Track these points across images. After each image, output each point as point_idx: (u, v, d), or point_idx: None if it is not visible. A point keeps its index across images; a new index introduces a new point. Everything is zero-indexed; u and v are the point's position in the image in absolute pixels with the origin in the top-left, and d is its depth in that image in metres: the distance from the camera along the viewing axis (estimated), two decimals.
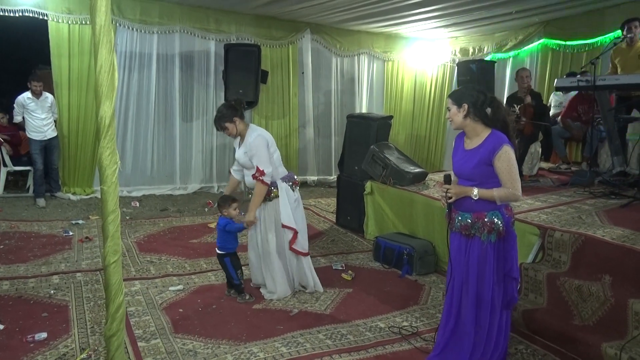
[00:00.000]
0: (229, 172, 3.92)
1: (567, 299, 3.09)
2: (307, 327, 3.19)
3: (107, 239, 2.04)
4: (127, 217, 5.88)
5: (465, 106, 2.53)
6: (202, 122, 7.53)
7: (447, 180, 2.59)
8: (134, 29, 6.82)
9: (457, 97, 2.58)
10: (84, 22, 6.37)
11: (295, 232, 3.61)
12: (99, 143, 1.91)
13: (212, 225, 5.58)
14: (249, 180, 3.64)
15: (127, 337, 2.97)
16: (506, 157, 2.43)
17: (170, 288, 3.77)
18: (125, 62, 6.86)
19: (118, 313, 2.10)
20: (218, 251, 3.64)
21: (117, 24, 6.68)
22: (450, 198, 2.54)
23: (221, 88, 7.09)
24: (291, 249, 3.64)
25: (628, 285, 2.91)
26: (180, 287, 3.80)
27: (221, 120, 3.54)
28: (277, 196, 3.58)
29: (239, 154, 3.63)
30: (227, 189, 3.87)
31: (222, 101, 7.04)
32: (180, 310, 3.41)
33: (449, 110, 2.59)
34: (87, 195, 6.68)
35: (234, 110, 3.55)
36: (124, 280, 3.82)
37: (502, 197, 2.46)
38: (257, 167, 3.46)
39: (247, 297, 3.62)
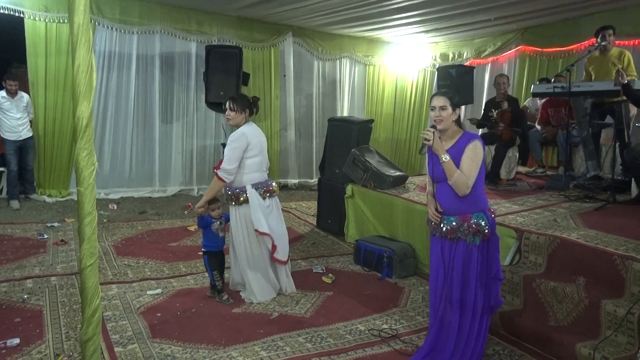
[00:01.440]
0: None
1: (543, 300, 3.15)
2: (287, 330, 3.18)
3: (83, 241, 2.00)
4: (105, 220, 5.78)
5: (458, 111, 2.61)
6: (182, 123, 7.45)
7: (435, 127, 2.58)
8: (114, 29, 6.73)
9: (453, 99, 2.59)
10: (61, 21, 6.26)
11: (272, 239, 3.57)
12: (75, 144, 1.87)
13: (192, 229, 5.53)
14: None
15: (103, 342, 2.92)
16: (474, 149, 2.51)
17: (148, 292, 3.72)
18: (104, 62, 6.76)
19: (94, 317, 2.06)
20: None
21: (96, 23, 6.58)
22: (428, 141, 2.51)
23: (202, 90, 7.03)
24: (273, 259, 3.62)
25: (601, 287, 2.98)
26: (158, 291, 3.75)
27: (237, 101, 3.55)
28: (246, 201, 3.53)
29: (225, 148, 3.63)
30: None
31: (203, 103, 7.01)
32: (159, 314, 3.36)
33: (444, 109, 2.56)
34: (63, 197, 6.55)
35: (249, 104, 3.61)
36: (101, 284, 3.76)
37: (458, 179, 2.47)
38: (220, 160, 3.50)
39: (225, 297, 3.60)
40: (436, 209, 2.64)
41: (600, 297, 2.89)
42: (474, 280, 2.54)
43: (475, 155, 2.50)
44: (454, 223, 2.56)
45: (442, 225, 2.60)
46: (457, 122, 2.62)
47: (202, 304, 3.56)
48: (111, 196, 6.89)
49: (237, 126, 3.61)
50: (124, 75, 6.93)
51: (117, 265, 4.31)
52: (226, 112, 3.61)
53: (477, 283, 2.55)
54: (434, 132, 2.52)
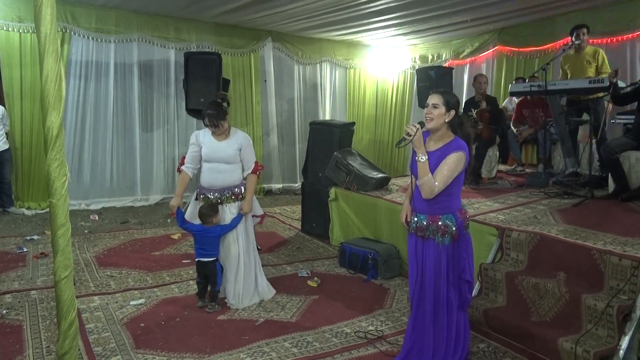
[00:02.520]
0: (178, 170, 3.77)
1: (525, 296, 3.19)
2: (273, 336, 3.17)
3: (57, 253, 1.97)
4: (86, 231, 5.70)
5: (453, 113, 2.54)
6: (163, 131, 7.39)
7: (422, 124, 2.54)
8: (90, 38, 6.66)
9: (448, 101, 2.53)
10: (30, 31, 6.15)
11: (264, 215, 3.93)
12: (46, 155, 1.84)
13: (175, 237, 5.48)
14: (216, 177, 3.59)
15: (86, 354, 2.88)
16: (456, 160, 2.47)
17: (131, 302, 3.67)
18: (81, 71, 6.69)
19: (70, 330, 2.02)
20: (206, 259, 3.57)
21: (72, 33, 6.51)
22: (409, 135, 2.46)
23: (182, 97, 6.98)
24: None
25: (581, 281, 3.03)
26: (141, 301, 3.70)
27: (219, 117, 3.54)
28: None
29: (220, 146, 3.58)
30: (180, 188, 3.71)
31: (183, 110, 6.95)
32: (142, 324, 3.32)
33: (436, 108, 2.51)
34: (42, 209, 6.42)
35: (225, 108, 3.69)
36: (83, 296, 3.74)
37: (425, 183, 2.46)
38: (256, 162, 3.73)
39: (217, 306, 3.59)
40: (408, 217, 2.69)
41: (581, 291, 2.94)
42: (445, 279, 2.56)
43: (454, 165, 2.46)
44: (423, 222, 2.58)
45: (413, 222, 2.63)
46: (452, 125, 2.56)
47: (186, 312, 3.52)
48: (92, 207, 6.79)
49: (226, 132, 3.63)
50: (102, 84, 6.86)
51: (99, 276, 4.25)
52: (213, 130, 3.57)
53: (449, 281, 2.58)
54: (417, 129, 2.47)
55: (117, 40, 6.84)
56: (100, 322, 3.33)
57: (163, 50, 7.22)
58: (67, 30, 6.46)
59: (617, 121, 5.30)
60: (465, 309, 2.70)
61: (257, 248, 4.21)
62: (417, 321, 2.66)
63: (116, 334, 3.17)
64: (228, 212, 3.63)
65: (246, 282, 3.66)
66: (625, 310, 2.68)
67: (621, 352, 2.61)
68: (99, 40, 6.72)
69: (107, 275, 4.28)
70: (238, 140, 3.63)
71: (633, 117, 4.92)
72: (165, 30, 7.15)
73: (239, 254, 3.63)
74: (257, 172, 3.71)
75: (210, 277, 3.62)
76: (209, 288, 3.65)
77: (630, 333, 2.64)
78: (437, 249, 2.56)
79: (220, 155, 3.59)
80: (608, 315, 2.71)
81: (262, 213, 3.91)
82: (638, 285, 2.74)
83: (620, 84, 4.83)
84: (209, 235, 3.56)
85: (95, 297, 3.76)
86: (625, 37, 6.19)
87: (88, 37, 6.65)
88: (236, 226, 3.61)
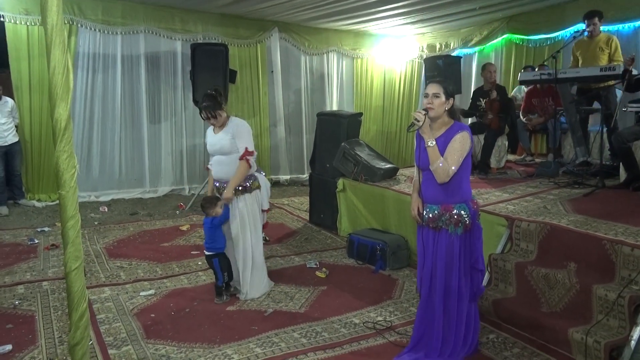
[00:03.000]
0: (207, 168, 3.89)
1: (534, 287, 3.17)
2: (282, 326, 3.18)
3: (67, 245, 1.98)
4: (96, 223, 5.74)
5: (452, 101, 2.60)
6: (170, 123, 7.41)
7: (427, 112, 2.57)
8: (97, 30, 6.65)
9: (447, 89, 2.58)
10: (37, 23, 6.16)
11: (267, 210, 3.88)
12: (55, 147, 1.85)
13: (184, 228, 5.51)
14: (220, 169, 3.60)
15: (97, 345, 2.91)
16: (461, 139, 2.51)
17: (141, 293, 3.70)
18: (88, 63, 6.70)
19: (82, 321, 2.04)
20: (206, 252, 3.62)
21: (79, 25, 6.51)
22: (418, 121, 2.51)
23: (189, 89, 6.98)
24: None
25: (592, 272, 3.00)
26: (151, 291, 3.73)
27: (215, 108, 3.53)
28: (257, 187, 3.67)
29: (217, 138, 3.59)
30: (210, 185, 3.81)
31: (191, 102, 6.96)
32: (152, 315, 3.34)
33: (437, 97, 2.55)
34: (52, 201, 6.47)
35: (220, 98, 3.59)
36: (93, 287, 3.78)
37: (439, 166, 2.48)
38: (246, 148, 3.50)
39: (225, 298, 3.60)
40: (418, 210, 2.66)
41: (591, 282, 2.91)
42: (457, 269, 2.56)
43: (461, 145, 2.51)
44: (435, 212, 2.58)
45: (425, 213, 2.61)
46: (450, 112, 2.62)
47: (196, 303, 3.55)
48: (102, 199, 6.84)
49: (224, 123, 3.60)
50: (109, 76, 6.88)
51: (110, 267, 4.28)
52: (211, 122, 3.58)
53: (461, 272, 2.57)
54: (425, 115, 2.53)
55: (124, 32, 6.84)
56: (111, 313, 3.37)
57: (169, 41, 7.21)
58: (74, 23, 6.46)
59: (629, 109, 5.21)
60: (476, 300, 2.70)
61: (265, 239, 4.21)
62: (427, 312, 2.66)
63: (127, 324, 3.20)
64: (237, 204, 3.60)
65: (254, 273, 3.66)
66: (637, 300, 2.65)
67: (632, 343, 2.58)
68: (105, 32, 6.72)
69: (117, 266, 4.32)
70: (231, 128, 3.56)
71: None
72: (171, 22, 7.13)
73: (246, 246, 3.62)
74: (245, 159, 3.51)
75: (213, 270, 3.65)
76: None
77: None
78: (449, 238, 2.56)
79: (217, 148, 3.59)
80: (619, 306, 2.69)
81: (267, 207, 3.86)
82: None
83: (634, 71, 4.75)
84: (205, 227, 3.60)
85: (106, 288, 3.80)
86: (637, 23, 6.07)
87: (95, 29, 6.64)
88: (226, 218, 3.56)
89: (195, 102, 6.62)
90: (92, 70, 6.74)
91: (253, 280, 3.66)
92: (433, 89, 2.58)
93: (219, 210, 3.54)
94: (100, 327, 3.15)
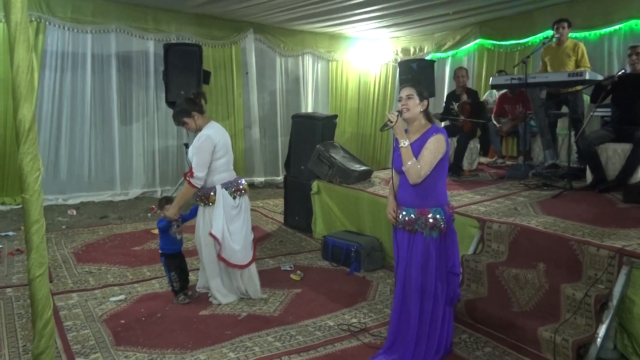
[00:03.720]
0: None
1: (505, 287, 3.23)
2: (256, 330, 3.15)
3: (31, 251, 1.91)
4: (64, 227, 5.58)
5: (426, 103, 2.62)
6: (142, 124, 7.27)
7: (400, 113, 2.59)
8: (66, 28, 6.50)
9: (421, 91, 2.61)
10: (2, 20, 5.97)
11: (219, 243, 3.41)
12: (18, 148, 1.78)
13: (156, 231, 5.38)
14: None
15: (64, 353, 2.82)
16: (435, 141, 2.52)
17: (111, 299, 3.61)
18: (56, 62, 6.54)
19: (46, 329, 1.97)
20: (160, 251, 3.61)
21: (47, 23, 6.34)
22: (390, 122, 2.52)
23: (162, 89, 6.87)
24: (219, 257, 3.45)
25: (560, 271, 3.07)
26: (121, 297, 3.64)
27: (180, 115, 3.43)
28: (214, 202, 3.44)
29: (190, 148, 3.51)
30: None
31: (164, 103, 6.85)
32: (122, 321, 3.26)
33: (410, 98, 2.58)
34: (18, 204, 6.26)
35: (192, 104, 3.45)
36: (60, 293, 3.67)
37: (411, 167, 2.50)
38: (190, 167, 3.38)
39: (181, 298, 3.55)
40: (393, 211, 2.67)
41: (560, 281, 2.98)
42: (433, 272, 2.57)
43: (435, 148, 2.51)
44: (412, 215, 2.58)
45: (400, 217, 2.62)
46: (426, 115, 2.64)
47: (168, 308, 3.48)
48: (70, 201, 6.66)
49: (200, 129, 3.47)
50: (78, 75, 6.72)
51: (78, 272, 4.17)
52: (185, 127, 3.51)
53: (436, 275, 2.58)
54: (398, 116, 2.54)
55: (94, 30, 6.69)
56: (78, 320, 3.27)
57: (142, 41, 7.08)
58: (42, 20, 6.28)
59: (595, 114, 5.38)
60: (453, 305, 2.71)
61: None
62: (401, 314, 2.67)
63: (95, 331, 3.11)
64: (202, 215, 3.51)
65: (217, 281, 3.58)
66: (603, 299, 2.73)
67: (599, 340, 2.65)
68: (75, 30, 6.57)
69: (86, 271, 4.20)
70: (197, 139, 3.41)
71: (610, 110, 5.01)
72: (143, 21, 7.01)
73: (203, 255, 3.55)
74: (186, 177, 3.37)
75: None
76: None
77: (607, 321, 2.68)
78: (425, 242, 2.56)
79: (189, 158, 3.52)
80: (586, 305, 2.76)
81: (216, 236, 3.38)
82: (615, 275, 2.79)
83: (598, 77, 4.91)
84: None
85: (74, 294, 3.69)
86: (602, 31, 6.28)
87: (64, 27, 6.48)
88: (165, 228, 3.49)
89: (168, 103, 6.53)
90: (60, 70, 6.57)
91: (215, 288, 3.58)
92: (406, 91, 2.61)
93: (166, 213, 3.47)
94: (68, 334, 3.05)
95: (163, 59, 6.47)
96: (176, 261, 3.59)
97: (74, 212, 6.21)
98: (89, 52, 6.71)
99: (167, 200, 3.56)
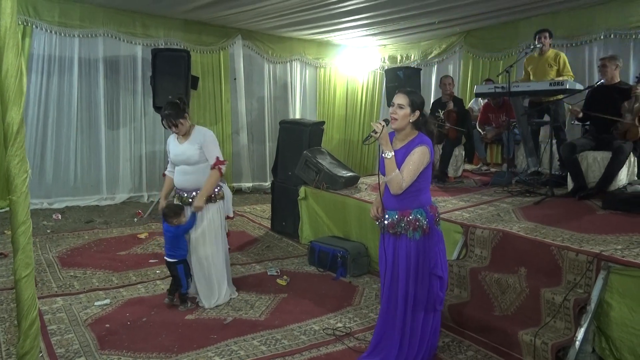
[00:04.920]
0: (163, 174, 3.85)
1: (488, 292, 3.29)
2: (242, 334, 3.16)
3: (17, 251, 1.91)
4: (48, 231, 5.53)
5: (417, 114, 2.57)
6: (129, 129, 7.25)
7: (387, 122, 2.58)
8: (53, 32, 6.47)
9: (414, 101, 2.56)
10: None
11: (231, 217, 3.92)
12: (6, 151, 1.79)
13: (142, 236, 5.39)
14: (184, 178, 3.55)
15: (48, 356, 2.81)
16: (419, 152, 2.51)
17: (96, 303, 3.59)
18: (43, 66, 6.50)
19: (31, 330, 1.97)
20: (169, 259, 3.56)
21: (34, 26, 6.31)
22: (375, 133, 2.51)
23: (149, 94, 6.86)
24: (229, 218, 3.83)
25: (540, 276, 3.14)
26: (107, 301, 3.63)
27: (177, 116, 3.48)
28: (222, 197, 3.64)
29: (182, 148, 3.54)
30: (164, 191, 3.78)
31: (151, 108, 6.83)
32: (107, 325, 3.25)
33: (402, 108, 2.54)
34: (1, 209, 6.20)
35: (183, 107, 3.55)
36: (45, 297, 3.65)
37: (393, 178, 2.50)
38: (217, 158, 3.52)
39: (189, 304, 3.56)
40: (377, 211, 2.70)
41: (540, 285, 3.05)
42: (415, 274, 2.60)
43: (418, 160, 2.51)
44: (395, 217, 2.61)
45: (384, 220, 2.66)
46: (416, 124, 2.61)
47: (153, 313, 3.47)
48: (55, 206, 6.60)
49: (187, 132, 3.56)
50: (65, 80, 6.68)
51: (63, 277, 4.14)
52: (173, 130, 3.54)
53: (419, 277, 2.61)
54: (383, 127, 2.51)
55: (82, 35, 6.67)
56: (63, 324, 3.25)
57: (130, 46, 7.08)
58: (29, 24, 6.25)
59: (576, 123, 5.51)
60: (438, 307, 2.69)
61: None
62: (387, 318, 2.69)
63: (80, 335, 3.10)
64: (205, 214, 3.56)
65: (217, 283, 3.62)
66: (581, 303, 2.80)
67: (577, 343, 2.72)
68: (62, 34, 6.54)
69: (71, 275, 4.18)
70: (197, 138, 3.52)
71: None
72: (132, 26, 7.01)
73: (200, 255, 3.57)
74: (218, 167, 3.51)
75: (174, 278, 3.59)
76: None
77: (585, 325, 2.75)
78: (408, 244, 2.58)
79: (182, 158, 3.55)
80: (565, 308, 2.83)
81: (231, 215, 3.89)
82: (593, 279, 2.87)
83: (578, 86, 5.04)
84: (167, 235, 3.55)
85: (58, 298, 3.67)
86: (583, 41, 6.43)
87: (51, 31, 6.45)
88: (191, 226, 3.52)
89: (156, 108, 6.52)
90: (47, 74, 6.54)
91: (205, 290, 3.61)
92: (399, 99, 2.57)
93: (182, 219, 3.50)
94: (52, 338, 3.04)
95: (151, 64, 6.48)
96: (189, 267, 3.61)
97: (59, 217, 6.16)
98: (76, 56, 6.69)
99: (182, 207, 3.55)
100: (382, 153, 2.56)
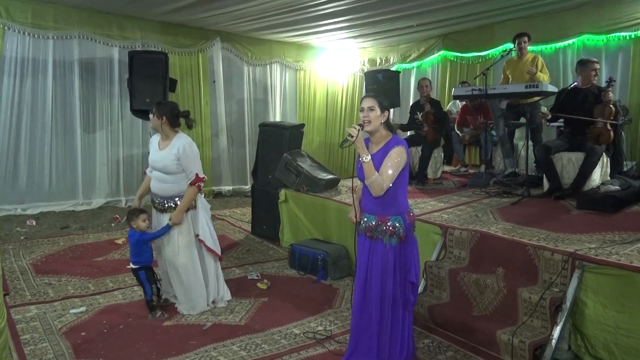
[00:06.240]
0: (144, 172, 3.80)
1: (467, 292, 3.32)
2: (221, 339, 3.13)
3: None
4: (22, 237, 5.39)
5: (387, 113, 2.63)
6: (106, 132, 7.12)
7: (362, 126, 2.60)
8: (26, 33, 6.32)
9: (382, 102, 2.61)
10: None
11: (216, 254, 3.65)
12: None
13: (120, 241, 5.30)
14: (160, 186, 3.48)
15: None
16: (396, 153, 2.55)
17: (71, 311, 3.51)
18: (16, 68, 6.35)
19: (0, 339, 1.91)
20: (132, 266, 3.50)
21: (6, 28, 6.16)
22: (351, 137, 2.53)
23: (127, 97, 6.74)
24: (210, 250, 3.59)
25: (518, 276, 3.19)
26: (82, 309, 3.56)
27: (159, 107, 3.48)
28: (194, 207, 3.52)
29: (160, 155, 3.47)
30: (140, 191, 3.70)
31: (128, 111, 6.72)
32: (83, 333, 3.18)
33: (372, 110, 2.58)
34: None
35: (169, 113, 3.47)
36: (18, 305, 3.56)
37: (374, 181, 2.51)
38: (197, 175, 3.42)
39: (159, 314, 3.48)
40: (355, 216, 2.72)
41: (517, 285, 3.09)
42: (392, 278, 2.61)
43: (396, 161, 2.54)
44: (372, 222, 2.63)
45: (362, 223, 2.67)
46: (387, 125, 2.65)
47: (130, 319, 3.41)
48: (29, 211, 6.45)
49: (168, 134, 3.50)
50: (39, 82, 6.54)
51: (37, 284, 4.04)
52: (150, 120, 3.54)
53: (396, 280, 2.63)
54: (359, 130, 2.54)
55: (56, 36, 6.53)
56: (37, 333, 3.17)
57: (106, 48, 6.96)
58: (1, 25, 6.10)
59: (551, 125, 5.62)
60: (409, 309, 2.73)
61: None
62: (361, 319, 2.70)
63: (54, 344, 3.03)
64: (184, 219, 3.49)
65: (185, 292, 3.54)
66: (557, 301, 2.85)
67: (553, 341, 2.77)
68: (36, 36, 6.39)
69: (45, 283, 4.08)
70: (175, 148, 3.41)
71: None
72: (108, 28, 6.89)
73: (183, 263, 3.49)
74: (197, 185, 3.42)
75: (139, 283, 3.55)
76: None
77: (561, 323, 2.80)
78: (384, 249, 2.60)
79: (158, 166, 3.48)
80: (542, 307, 2.87)
81: (217, 252, 3.63)
82: (568, 278, 2.92)
83: (552, 88, 5.13)
84: (130, 240, 3.50)
85: (32, 307, 3.58)
86: (557, 44, 6.58)
87: (24, 33, 6.30)
88: (159, 236, 3.45)
89: (133, 111, 6.43)
90: (20, 76, 6.38)
91: (183, 297, 3.56)
92: (368, 102, 2.61)
93: (141, 224, 3.43)
94: (25, 348, 2.96)
95: (128, 66, 6.38)
96: (153, 273, 3.54)
97: (34, 223, 6.01)
98: (50, 58, 6.55)
99: (142, 211, 3.48)
100: (359, 157, 2.58)
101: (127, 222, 3.51)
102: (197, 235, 3.52)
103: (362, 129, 2.58)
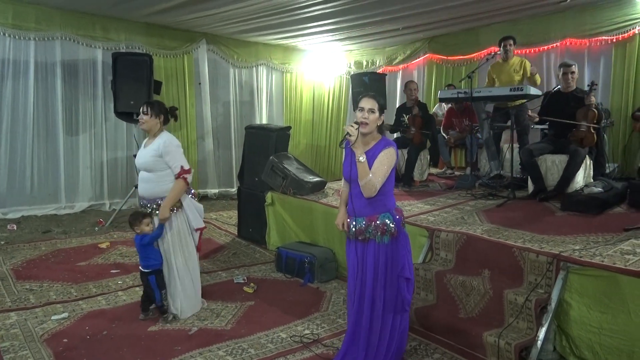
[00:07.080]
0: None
1: (453, 294, 3.33)
2: (207, 345, 3.09)
3: None
4: (2, 242, 5.28)
5: (382, 116, 2.63)
6: (89, 135, 7.01)
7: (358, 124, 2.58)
8: (6, 34, 6.20)
9: (382, 105, 2.60)
10: None
11: (202, 230, 3.61)
12: None
13: (104, 246, 5.21)
14: (144, 186, 3.44)
15: None
16: (387, 154, 2.55)
17: (53, 317, 3.44)
18: None
19: None
20: (142, 269, 3.44)
21: None
22: (350, 136, 2.51)
23: (110, 99, 6.65)
24: (197, 229, 3.57)
25: (503, 278, 3.21)
26: (64, 315, 3.48)
27: (153, 106, 3.44)
28: (180, 206, 3.47)
29: (143, 152, 3.44)
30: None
31: (112, 113, 6.63)
32: (65, 340, 3.12)
33: (372, 112, 2.55)
34: None
35: (165, 111, 3.51)
36: None
37: (368, 182, 2.50)
38: (182, 167, 3.38)
39: (171, 317, 3.45)
40: (344, 226, 2.72)
41: (503, 287, 3.11)
42: (383, 279, 2.60)
43: (388, 162, 2.54)
44: (362, 223, 2.61)
45: (352, 227, 2.66)
46: (379, 127, 2.65)
47: (114, 325, 3.36)
48: (10, 216, 6.31)
49: (149, 132, 3.48)
50: (20, 84, 6.41)
51: (17, 290, 3.95)
52: (139, 116, 3.47)
53: (387, 281, 2.62)
54: (357, 129, 2.52)
55: (38, 37, 6.42)
56: (17, 340, 3.10)
57: (89, 49, 6.86)
58: None
59: (535, 127, 5.68)
60: (406, 308, 2.71)
61: None
62: (357, 324, 2.68)
63: (35, 351, 2.96)
64: (172, 224, 3.44)
65: (186, 293, 3.51)
66: (542, 303, 2.87)
67: (539, 343, 2.78)
68: (16, 37, 6.28)
69: (26, 289, 3.99)
70: (156, 145, 3.39)
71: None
72: (91, 29, 6.80)
73: (171, 265, 3.45)
74: (183, 177, 3.37)
75: (145, 289, 3.49)
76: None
77: (546, 324, 2.82)
78: (376, 248, 2.59)
79: (141, 162, 3.45)
80: (527, 309, 2.89)
81: (202, 226, 3.60)
82: (553, 279, 2.94)
83: (535, 91, 5.19)
84: (135, 243, 3.45)
85: (12, 313, 3.49)
86: (541, 48, 6.66)
87: (4, 34, 6.19)
88: (157, 237, 3.41)
89: (117, 113, 6.35)
90: (0, 78, 6.25)
91: (185, 301, 3.51)
92: (369, 103, 2.57)
93: (144, 228, 3.38)
94: (5, 356, 2.88)
95: (112, 68, 6.30)
96: (163, 278, 3.48)
97: (14, 227, 5.89)
98: (32, 60, 6.43)
99: (144, 214, 3.42)
100: (354, 157, 2.55)
101: (131, 228, 3.44)
102: (197, 229, 3.54)
103: (358, 129, 2.54)
